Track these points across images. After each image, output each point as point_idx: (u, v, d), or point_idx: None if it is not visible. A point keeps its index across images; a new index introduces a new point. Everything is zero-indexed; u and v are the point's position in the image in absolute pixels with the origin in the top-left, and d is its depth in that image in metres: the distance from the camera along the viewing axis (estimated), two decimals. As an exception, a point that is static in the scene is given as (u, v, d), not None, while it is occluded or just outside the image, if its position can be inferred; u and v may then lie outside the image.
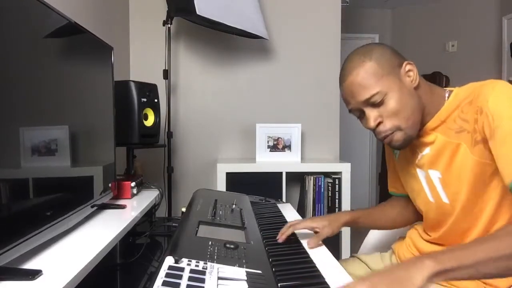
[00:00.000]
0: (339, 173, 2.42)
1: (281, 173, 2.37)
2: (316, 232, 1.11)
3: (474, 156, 0.91)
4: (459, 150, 0.94)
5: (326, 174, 2.49)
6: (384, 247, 1.35)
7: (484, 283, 0.97)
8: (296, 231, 1.12)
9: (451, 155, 0.95)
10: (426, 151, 1.01)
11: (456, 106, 0.96)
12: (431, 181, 1.02)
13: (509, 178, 0.82)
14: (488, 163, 0.89)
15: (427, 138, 1.00)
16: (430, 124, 0.98)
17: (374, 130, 0.96)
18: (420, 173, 1.06)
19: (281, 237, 1.08)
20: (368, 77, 0.93)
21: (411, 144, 1.02)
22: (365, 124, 0.97)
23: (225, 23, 2.18)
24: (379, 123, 0.95)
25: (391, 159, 1.22)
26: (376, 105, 0.94)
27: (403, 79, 0.95)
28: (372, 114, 0.95)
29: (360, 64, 0.94)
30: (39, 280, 0.73)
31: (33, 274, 0.73)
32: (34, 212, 0.88)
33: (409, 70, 0.96)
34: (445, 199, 1.00)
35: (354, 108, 0.98)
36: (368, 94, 0.93)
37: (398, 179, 1.21)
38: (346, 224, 1.17)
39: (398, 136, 0.95)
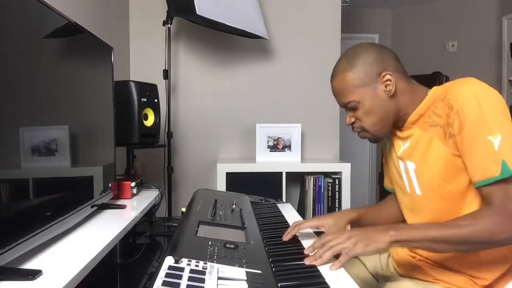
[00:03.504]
0: (339, 173, 2.42)
1: (281, 173, 2.37)
2: (321, 232, 1.13)
3: (447, 148, 0.98)
4: (432, 143, 1.02)
5: (326, 174, 2.49)
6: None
7: (471, 276, 1.01)
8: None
9: (425, 148, 1.04)
10: (407, 144, 1.09)
11: (432, 101, 1.04)
12: (408, 172, 1.09)
13: (477, 177, 0.92)
14: (459, 155, 0.96)
15: (408, 132, 1.09)
16: (411, 118, 1.07)
17: (351, 126, 1.13)
18: (401, 164, 1.12)
19: (286, 236, 1.09)
20: (345, 87, 1.06)
21: (396, 137, 1.12)
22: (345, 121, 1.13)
23: (225, 23, 2.18)
24: (353, 122, 1.10)
25: (384, 153, 1.26)
26: (352, 109, 1.08)
27: (378, 89, 1.05)
28: (348, 115, 1.11)
29: (342, 72, 1.07)
30: (39, 280, 0.73)
31: (33, 274, 0.73)
32: (34, 212, 0.88)
33: (387, 80, 1.05)
34: (418, 191, 1.07)
35: (340, 106, 1.13)
36: (344, 101, 1.08)
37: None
38: (352, 222, 1.19)
39: (366, 135, 1.11)
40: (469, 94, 0.93)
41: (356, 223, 1.22)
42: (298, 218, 1.40)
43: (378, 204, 1.34)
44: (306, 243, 1.07)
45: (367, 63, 1.05)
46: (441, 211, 1.01)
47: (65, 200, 1.04)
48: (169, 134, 2.30)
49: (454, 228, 0.90)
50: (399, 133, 1.11)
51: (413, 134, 1.07)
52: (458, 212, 0.98)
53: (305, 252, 0.94)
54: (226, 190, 2.26)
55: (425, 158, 1.03)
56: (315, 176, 2.47)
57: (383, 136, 1.12)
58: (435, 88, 1.05)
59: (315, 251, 0.93)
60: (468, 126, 0.92)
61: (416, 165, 1.06)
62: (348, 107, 1.08)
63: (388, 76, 1.04)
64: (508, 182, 0.87)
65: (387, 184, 1.30)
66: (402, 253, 1.16)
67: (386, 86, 1.04)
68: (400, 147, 1.11)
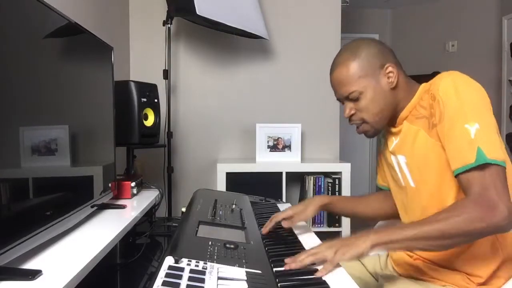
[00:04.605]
0: (339, 173, 2.42)
1: (281, 173, 2.37)
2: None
3: (432, 138, 0.99)
4: (418, 135, 1.04)
5: (326, 174, 2.49)
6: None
7: (467, 273, 1.01)
8: (294, 229, 1.16)
9: (412, 140, 1.06)
10: (398, 139, 1.11)
11: (420, 97, 1.07)
12: (401, 166, 1.10)
13: (454, 165, 0.92)
14: (442, 143, 0.97)
15: (399, 127, 1.10)
16: (402, 114, 1.09)
17: (348, 119, 1.11)
18: (393, 159, 1.14)
19: (265, 229, 1.14)
20: (348, 76, 1.06)
21: (389, 134, 1.14)
22: (343, 113, 1.12)
23: (225, 23, 2.18)
24: (352, 114, 1.09)
25: (379, 151, 1.28)
26: (353, 100, 1.07)
27: (381, 80, 1.06)
28: (348, 106, 1.09)
29: (344, 62, 1.07)
30: (39, 280, 0.73)
31: (33, 274, 0.73)
32: (34, 212, 0.88)
33: (389, 72, 1.06)
34: (412, 183, 1.08)
35: (338, 98, 1.13)
36: (346, 92, 1.07)
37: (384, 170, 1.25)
38: (323, 207, 1.23)
39: (366, 128, 1.10)
40: (450, 85, 0.95)
41: (326, 209, 1.26)
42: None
43: (359, 196, 1.35)
44: (306, 243, 1.07)
45: (371, 55, 1.06)
46: (434, 202, 1.01)
47: (65, 200, 1.04)
48: (169, 134, 2.30)
49: (433, 223, 0.88)
50: (392, 129, 1.13)
51: (403, 129, 1.09)
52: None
53: (286, 261, 0.89)
54: (226, 190, 2.26)
55: (413, 150, 1.05)
56: (315, 176, 2.47)
57: (382, 128, 1.12)
58: (423, 84, 1.08)
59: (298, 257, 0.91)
60: (447, 115, 0.94)
61: (406, 158, 1.08)
62: (349, 98, 1.07)
63: (390, 68, 1.06)
64: (484, 169, 0.87)
65: (379, 181, 1.31)
66: (399, 252, 1.16)
67: (388, 77, 1.06)
68: (393, 142, 1.13)
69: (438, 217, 0.89)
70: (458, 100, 0.93)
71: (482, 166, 0.87)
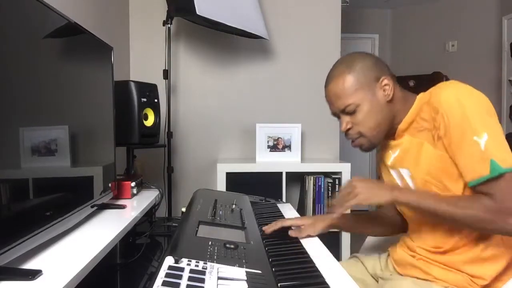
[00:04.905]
0: (339, 173, 2.42)
1: (281, 173, 2.37)
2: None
3: (437, 150, 0.99)
4: (422, 147, 1.03)
5: (326, 174, 2.49)
6: (383, 248, 1.35)
7: (471, 275, 1.01)
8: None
9: (416, 153, 1.06)
10: (397, 152, 1.11)
11: (419, 107, 1.06)
12: (404, 179, 1.10)
13: (468, 177, 0.94)
14: (450, 156, 0.98)
15: (398, 141, 1.10)
16: (401, 126, 1.09)
17: (345, 133, 1.11)
18: (393, 173, 1.13)
19: (268, 229, 1.15)
20: (344, 89, 1.05)
21: (387, 147, 1.13)
22: (340, 127, 1.11)
23: (225, 23, 2.18)
24: (349, 128, 1.08)
25: (378, 160, 1.27)
26: (350, 113, 1.07)
27: (377, 93, 1.06)
28: (344, 120, 1.08)
29: (340, 75, 1.07)
30: (39, 280, 0.73)
31: (33, 274, 0.73)
32: (34, 212, 0.88)
33: (385, 85, 1.06)
34: None
35: (334, 113, 1.13)
36: (342, 105, 1.06)
37: None
38: (332, 226, 1.22)
39: (362, 141, 1.09)
40: (451, 96, 0.95)
41: (335, 227, 1.26)
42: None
43: (367, 213, 1.36)
44: (306, 243, 1.08)
45: (366, 67, 1.06)
46: None
47: (65, 200, 1.04)
48: (169, 134, 2.30)
49: (450, 205, 0.93)
50: (390, 142, 1.12)
51: (403, 142, 1.09)
52: None
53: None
54: (226, 190, 2.26)
55: (418, 163, 1.04)
56: (315, 176, 2.47)
57: (378, 143, 1.11)
58: (421, 94, 1.07)
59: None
60: (453, 128, 0.94)
61: (410, 171, 1.07)
62: (345, 111, 1.07)
63: (386, 81, 1.06)
64: (500, 178, 0.89)
65: None
66: (401, 252, 1.16)
67: (384, 90, 1.06)
68: (390, 156, 1.13)
69: (458, 203, 0.94)
70: (462, 112, 0.93)
71: (498, 176, 0.89)
